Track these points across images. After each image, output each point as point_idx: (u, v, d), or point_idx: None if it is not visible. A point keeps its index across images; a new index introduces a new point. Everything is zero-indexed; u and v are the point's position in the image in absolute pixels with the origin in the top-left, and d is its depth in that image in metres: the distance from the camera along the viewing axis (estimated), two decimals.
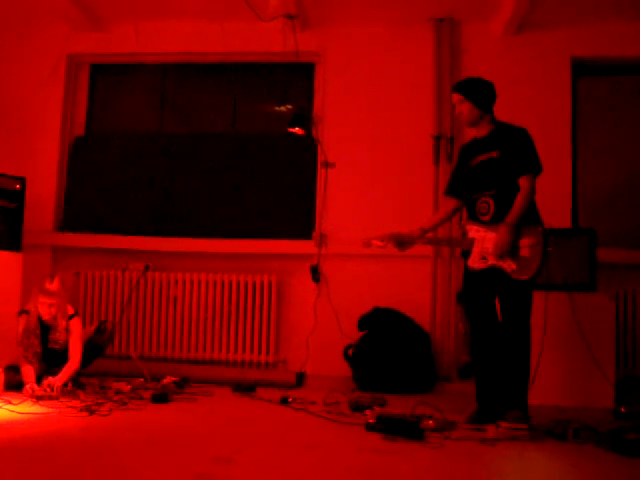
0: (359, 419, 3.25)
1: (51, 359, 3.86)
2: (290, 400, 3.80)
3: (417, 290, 4.89)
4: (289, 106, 5.37)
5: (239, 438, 2.91)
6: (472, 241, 3.42)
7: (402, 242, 3.52)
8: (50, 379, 3.63)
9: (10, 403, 3.37)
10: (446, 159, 4.94)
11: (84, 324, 4.32)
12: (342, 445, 2.84)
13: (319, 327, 4.92)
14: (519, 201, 3.28)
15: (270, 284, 5.01)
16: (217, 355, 5.00)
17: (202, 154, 5.37)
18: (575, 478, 2.46)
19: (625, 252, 4.78)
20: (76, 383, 3.82)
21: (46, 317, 3.84)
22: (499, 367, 3.35)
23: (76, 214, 5.38)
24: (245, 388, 4.18)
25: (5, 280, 4.34)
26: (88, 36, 5.38)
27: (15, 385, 3.75)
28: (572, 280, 4.14)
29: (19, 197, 4.59)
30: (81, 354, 3.89)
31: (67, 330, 3.89)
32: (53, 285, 3.84)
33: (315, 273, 5.01)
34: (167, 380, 4.09)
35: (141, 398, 3.69)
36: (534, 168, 3.34)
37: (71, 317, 3.93)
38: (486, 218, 3.39)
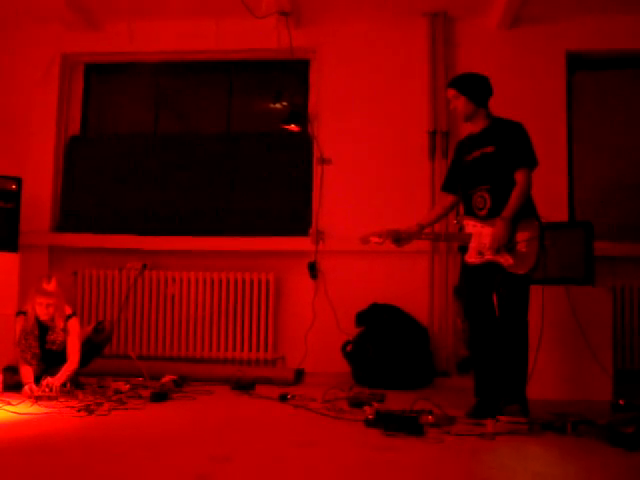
0: (358, 415, 3.25)
1: (49, 359, 3.85)
2: (289, 397, 3.80)
3: (415, 286, 4.89)
4: (284, 103, 5.35)
5: (238, 436, 2.91)
6: (469, 236, 3.42)
7: (399, 238, 3.52)
8: (49, 379, 3.63)
9: (9, 404, 3.37)
10: (442, 154, 4.94)
11: (82, 324, 4.31)
12: (342, 442, 2.84)
13: (317, 324, 4.93)
14: (515, 196, 3.28)
15: (268, 281, 5.01)
16: (215, 353, 5.00)
17: (197, 152, 5.36)
18: (574, 471, 2.46)
19: (622, 245, 4.79)
20: (75, 383, 3.81)
21: (44, 318, 3.83)
22: (498, 361, 3.35)
23: (72, 214, 5.38)
24: (244, 386, 4.18)
25: (2, 281, 4.34)
26: (82, 36, 5.37)
27: (13, 386, 3.75)
28: (569, 274, 4.14)
29: (15, 197, 4.59)
30: (79, 354, 3.88)
31: (65, 330, 3.87)
32: (50, 285, 3.83)
33: (312, 270, 5.01)
34: (166, 379, 4.08)
35: (140, 397, 3.68)
36: (530, 162, 3.34)
37: (69, 317, 3.91)
38: (483, 213, 3.39)
